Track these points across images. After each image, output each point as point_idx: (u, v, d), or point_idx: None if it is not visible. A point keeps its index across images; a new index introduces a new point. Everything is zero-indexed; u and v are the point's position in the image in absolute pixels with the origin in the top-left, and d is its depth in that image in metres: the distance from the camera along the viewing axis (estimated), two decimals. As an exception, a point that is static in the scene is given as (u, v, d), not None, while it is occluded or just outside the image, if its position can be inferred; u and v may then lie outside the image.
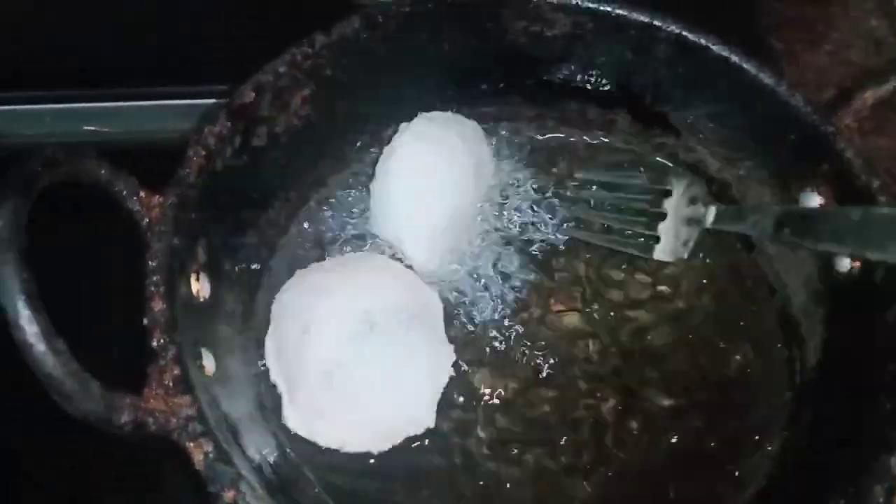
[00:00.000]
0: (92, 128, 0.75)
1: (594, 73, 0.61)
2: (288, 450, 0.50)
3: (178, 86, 0.74)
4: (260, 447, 0.48)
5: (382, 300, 0.51)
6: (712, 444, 0.51)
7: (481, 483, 0.50)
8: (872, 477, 0.43)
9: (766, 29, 0.81)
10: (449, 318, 0.54)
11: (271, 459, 0.48)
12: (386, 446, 0.50)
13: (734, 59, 0.56)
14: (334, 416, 0.49)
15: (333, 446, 0.50)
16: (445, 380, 0.51)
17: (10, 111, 0.75)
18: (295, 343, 0.50)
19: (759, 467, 0.50)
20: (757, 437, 0.51)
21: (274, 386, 0.51)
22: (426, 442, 0.50)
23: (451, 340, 0.53)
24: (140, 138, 0.74)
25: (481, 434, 0.51)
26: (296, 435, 0.50)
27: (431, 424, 0.51)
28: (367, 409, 0.49)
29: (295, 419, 0.50)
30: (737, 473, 0.50)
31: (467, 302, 0.55)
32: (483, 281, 0.56)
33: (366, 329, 0.49)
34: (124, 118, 0.75)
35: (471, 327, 0.55)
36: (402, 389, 0.50)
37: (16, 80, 0.73)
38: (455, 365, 0.52)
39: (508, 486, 0.50)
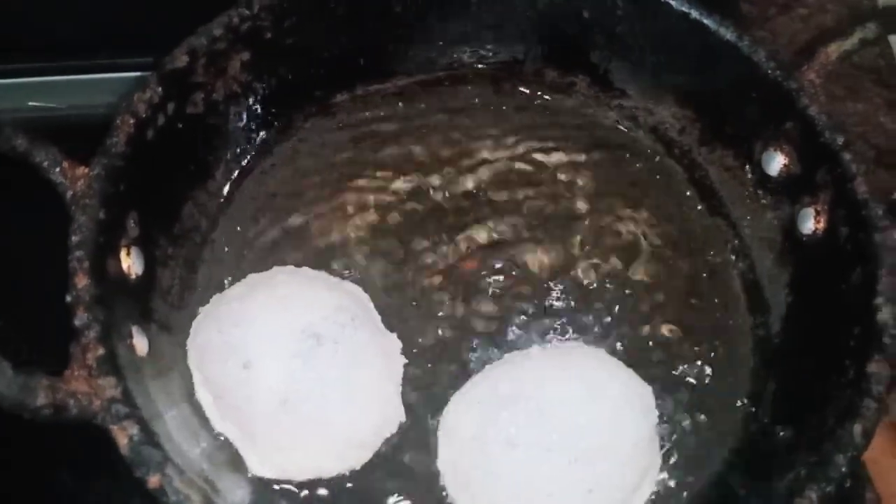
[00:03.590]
0: (36, 103, 0.72)
1: (550, 32, 0.59)
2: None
3: (128, 58, 0.71)
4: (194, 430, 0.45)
5: (318, 309, 0.47)
6: (676, 416, 0.49)
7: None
8: (836, 446, 0.41)
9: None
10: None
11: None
12: (367, 456, 0.46)
13: (694, 14, 0.54)
14: (303, 445, 0.45)
15: (311, 477, 0.46)
16: (401, 370, 0.48)
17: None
18: (235, 383, 0.45)
19: (723, 438, 0.48)
20: (719, 408, 0.49)
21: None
22: (403, 437, 0.47)
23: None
24: (86, 112, 0.71)
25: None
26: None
27: (403, 418, 0.47)
28: (335, 426, 0.45)
29: (261, 464, 0.45)
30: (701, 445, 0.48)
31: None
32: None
33: (312, 343, 0.45)
34: (70, 92, 0.72)
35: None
36: (366, 393, 0.46)
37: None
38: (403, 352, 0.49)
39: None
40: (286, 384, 0.44)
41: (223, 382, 0.45)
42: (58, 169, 0.44)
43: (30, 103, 0.72)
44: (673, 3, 0.54)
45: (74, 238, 0.43)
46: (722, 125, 0.56)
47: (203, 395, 0.46)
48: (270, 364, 0.45)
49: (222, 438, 0.46)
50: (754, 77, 0.52)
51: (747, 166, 0.55)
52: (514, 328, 0.51)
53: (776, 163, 0.53)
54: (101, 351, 0.40)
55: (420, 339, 0.50)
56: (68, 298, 0.41)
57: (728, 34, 0.53)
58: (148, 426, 0.39)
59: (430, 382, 0.49)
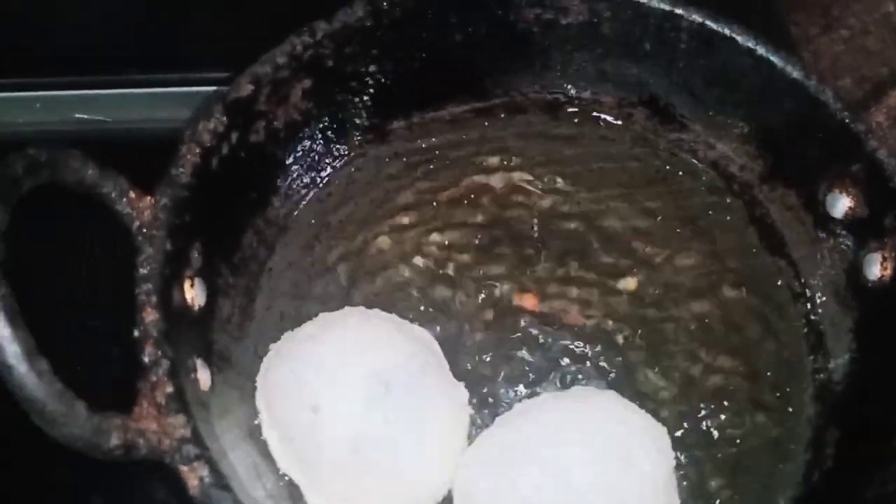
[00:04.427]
0: (83, 116, 0.73)
1: (610, 64, 0.58)
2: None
3: (172, 73, 0.72)
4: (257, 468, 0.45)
5: (389, 356, 0.46)
6: (731, 462, 0.48)
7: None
8: (909, 503, 0.40)
9: (780, 12, 0.78)
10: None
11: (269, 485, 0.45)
12: None
13: (760, 50, 0.53)
14: (370, 494, 0.45)
15: None
16: (467, 420, 0.48)
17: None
18: (304, 426, 0.44)
19: (782, 488, 0.48)
20: (778, 454, 0.49)
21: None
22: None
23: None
24: (132, 127, 0.72)
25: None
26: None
27: None
28: (403, 474, 0.45)
29: None
30: (758, 494, 0.48)
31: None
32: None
33: (382, 391, 0.45)
34: (116, 106, 0.72)
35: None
36: (434, 444, 0.46)
37: (4, 67, 0.70)
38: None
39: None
40: (357, 432, 0.44)
41: (291, 424, 0.45)
42: (125, 199, 0.44)
43: (76, 116, 0.72)
44: (738, 38, 0.53)
45: (142, 271, 0.42)
46: (785, 163, 0.55)
47: (270, 434, 0.46)
48: (340, 410, 0.44)
49: (286, 478, 0.46)
50: (821, 116, 0.52)
51: (810, 206, 0.54)
52: (554, 374, 0.51)
53: (841, 205, 0.52)
54: (170, 388, 0.40)
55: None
56: (136, 333, 0.41)
57: (795, 72, 0.52)
58: (217, 467, 0.38)
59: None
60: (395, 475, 0.45)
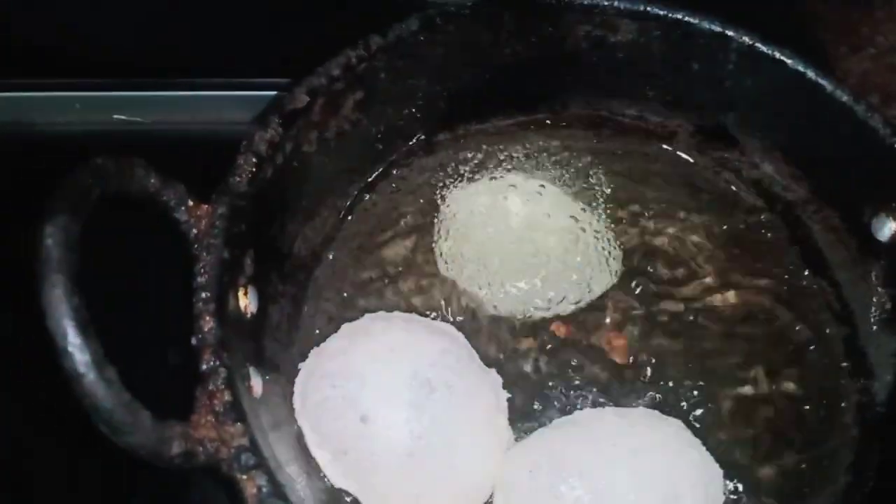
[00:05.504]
0: (122, 116, 0.73)
1: (656, 81, 0.58)
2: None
3: (210, 77, 0.72)
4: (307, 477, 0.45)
5: (424, 355, 0.47)
6: (772, 481, 0.49)
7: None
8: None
9: (808, 30, 0.78)
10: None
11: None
12: (485, 497, 0.46)
13: (810, 74, 0.53)
14: (429, 493, 0.45)
15: None
16: (506, 404, 0.48)
17: (38, 97, 0.72)
18: (355, 437, 0.44)
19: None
20: (819, 476, 0.49)
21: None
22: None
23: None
24: (170, 129, 0.72)
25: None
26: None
27: None
28: (459, 469, 0.45)
29: None
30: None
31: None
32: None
33: (426, 391, 0.45)
34: (155, 107, 0.72)
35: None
36: (482, 432, 0.46)
37: (45, 67, 0.71)
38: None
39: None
40: (409, 436, 0.44)
41: (342, 439, 0.45)
42: (183, 207, 0.44)
43: (115, 116, 0.73)
44: (788, 61, 0.54)
45: (200, 279, 0.43)
46: (830, 185, 0.55)
47: (320, 453, 0.46)
48: (389, 416, 0.45)
49: (347, 499, 0.46)
50: (868, 140, 0.52)
51: (854, 229, 0.54)
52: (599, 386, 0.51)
53: (887, 229, 0.52)
54: (227, 396, 0.40)
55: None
56: (194, 341, 0.41)
57: (843, 96, 0.53)
58: (275, 477, 0.39)
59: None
60: (452, 470, 0.45)
